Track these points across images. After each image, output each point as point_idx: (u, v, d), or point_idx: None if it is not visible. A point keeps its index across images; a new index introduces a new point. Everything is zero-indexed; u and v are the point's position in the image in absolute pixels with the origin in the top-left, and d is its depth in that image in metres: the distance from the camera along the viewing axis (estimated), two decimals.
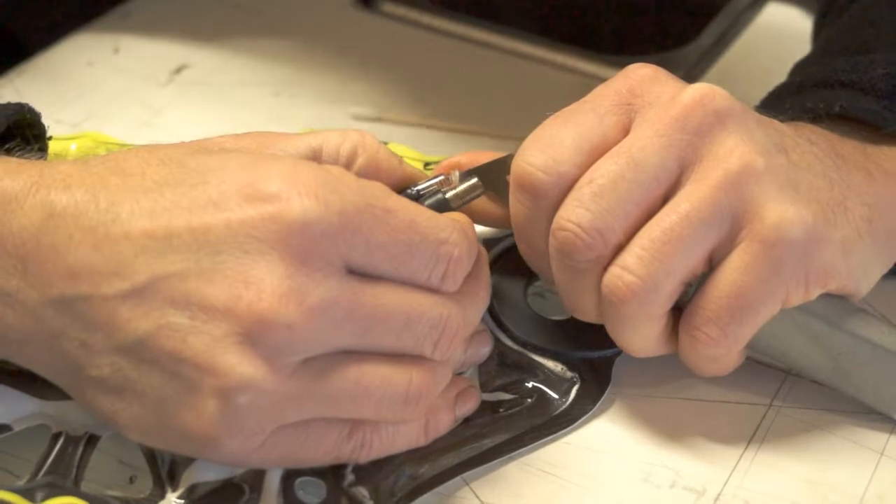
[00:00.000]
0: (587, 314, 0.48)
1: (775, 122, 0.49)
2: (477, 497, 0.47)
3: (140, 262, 0.41)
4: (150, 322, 0.41)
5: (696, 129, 0.46)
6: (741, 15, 0.75)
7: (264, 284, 0.40)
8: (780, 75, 0.67)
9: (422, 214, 0.44)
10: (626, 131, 0.47)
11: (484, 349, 0.51)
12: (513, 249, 0.54)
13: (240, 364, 0.41)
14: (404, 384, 0.43)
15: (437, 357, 0.44)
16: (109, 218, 0.42)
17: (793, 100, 0.54)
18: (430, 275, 0.44)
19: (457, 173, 0.50)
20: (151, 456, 0.46)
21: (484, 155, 0.51)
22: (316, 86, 0.69)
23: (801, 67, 0.58)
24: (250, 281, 0.41)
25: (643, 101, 0.47)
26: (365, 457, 0.45)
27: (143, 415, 0.42)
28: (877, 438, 0.50)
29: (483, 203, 0.51)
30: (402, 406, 0.44)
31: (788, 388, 0.51)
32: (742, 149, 0.46)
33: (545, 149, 0.47)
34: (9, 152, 0.46)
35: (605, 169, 0.46)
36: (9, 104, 0.49)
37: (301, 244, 0.41)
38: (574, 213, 0.46)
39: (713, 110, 0.46)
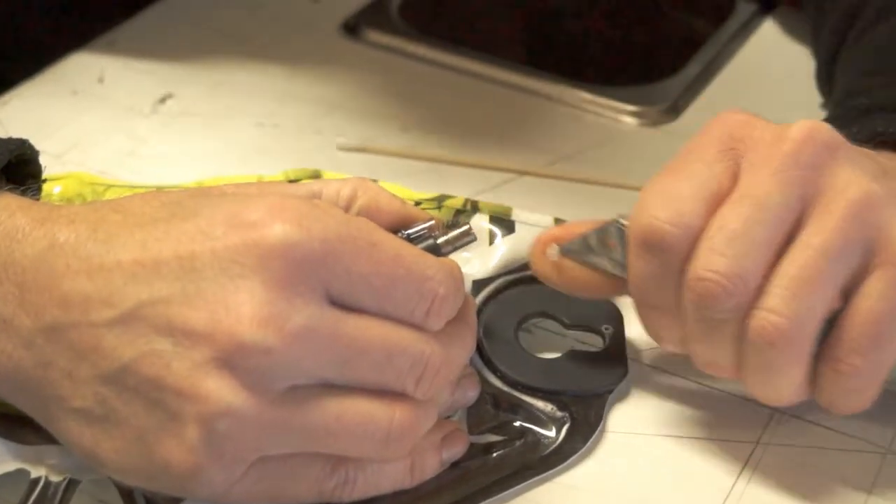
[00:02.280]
0: (726, 368, 0.48)
1: (868, 151, 0.49)
2: None
3: (128, 290, 0.42)
4: (135, 349, 0.41)
5: (810, 164, 0.46)
6: (727, 45, 0.75)
7: (244, 309, 0.41)
8: (764, 104, 0.67)
9: (408, 250, 0.44)
10: (735, 177, 0.47)
11: (471, 392, 0.51)
12: (503, 290, 0.55)
13: (219, 389, 0.41)
14: (386, 421, 0.43)
15: (420, 395, 0.44)
16: (105, 249, 0.42)
17: (860, 124, 0.54)
18: (413, 310, 0.44)
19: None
20: (130, 497, 0.46)
21: (578, 226, 0.51)
22: (300, 116, 0.68)
23: (851, 93, 0.58)
24: (230, 305, 0.41)
25: (746, 145, 0.47)
26: (349, 495, 0.45)
27: (124, 447, 0.42)
28: (865, 476, 0.49)
29: (583, 274, 0.50)
30: (385, 443, 0.43)
31: (776, 425, 0.51)
32: (858, 178, 0.46)
33: (667, 203, 0.47)
34: (11, 191, 0.47)
35: (732, 214, 0.46)
36: (10, 139, 0.49)
37: (282, 269, 0.41)
38: (711, 262, 0.45)
39: (822, 143, 0.46)
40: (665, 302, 0.47)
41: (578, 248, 0.50)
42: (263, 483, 0.43)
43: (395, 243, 0.44)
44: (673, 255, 0.46)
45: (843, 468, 0.49)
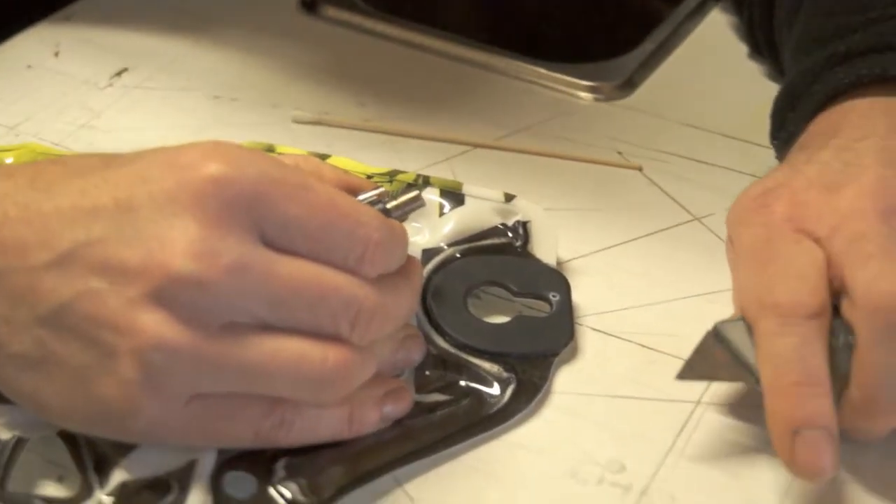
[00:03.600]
0: None
1: None
2: (407, 494, 0.48)
3: (66, 233, 0.43)
4: (72, 289, 0.42)
5: None
6: (682, 24, 0.76)
7: (177, 244, 0.42)
8: (718, 81, 0.70)
9: (343, 197, 0.46)
10: None
11: (417, 353, 0.52)
12: (453, 259, 0.57)
13: (154, 323, 0.42)
14: (320, 362, 0.44)
15: (356, 339, 0.45)
16: (44, 196, 0.44)
17: (845, 70, 0.55)
18: (347, 255, 0.45)
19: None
20: (77, 454, 0.47)
21: None
22: (257, 89, 0.70)
23: (819, 40, 0.59)
24: (165, 242, 0.42)
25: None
26: (285, 437, 0.46)
27: (64, 389, 0.43)
28: None
29: None
30: (319, 385, 0.45)
31: (716, 386, 0.52)
32: None
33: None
34: None
35: None
36: None
37: (215, 207, 0.43)
38: None
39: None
40: None
41: (698, 368, 0.50)
42: (200, 421, 0.44)
43: (329, 190, 0.45)
44: None
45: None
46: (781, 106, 0.59)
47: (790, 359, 0.47)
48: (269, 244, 0.44)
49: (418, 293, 0.50)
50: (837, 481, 0.49)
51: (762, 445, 0.50)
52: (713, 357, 0.50)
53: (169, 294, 0.42)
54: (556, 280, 0.56)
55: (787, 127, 0.58)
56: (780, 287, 0.48)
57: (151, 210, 0.43)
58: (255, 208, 0.44)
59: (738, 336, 0.49)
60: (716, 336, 0.50)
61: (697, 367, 0.50)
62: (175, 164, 0.44)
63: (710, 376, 0.50)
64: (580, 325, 0.56)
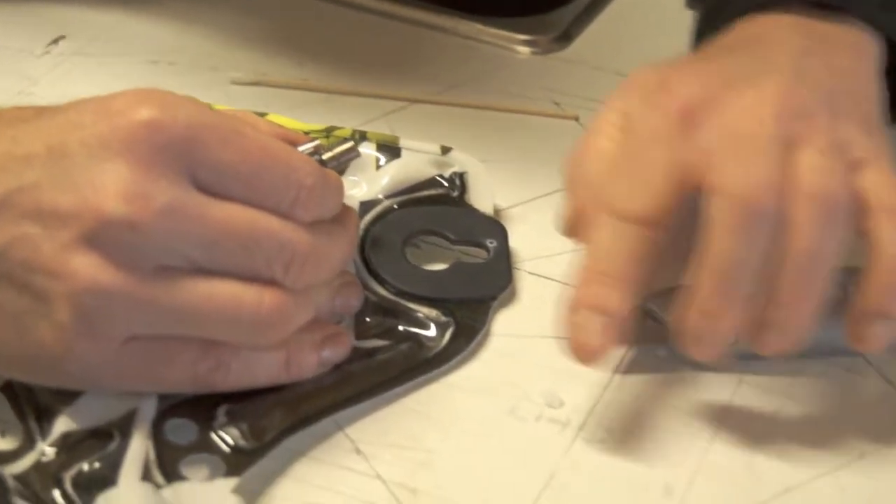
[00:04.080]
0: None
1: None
2: (348, 437, 0.48)
3: None
4: (5, 235, 0.43)
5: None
6: None
7: (109, 187, 0.43)
8: (654, 31, 0.71)
9: (275, 143, 0.46)
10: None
11: (355, 300, 0.52)
12: (391, 210, 0.57)
13: (86, 266, 0.43)
14: (255, 304, 0.45)
15: (290, 283, 0.46)
16: None
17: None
18: (280, 200, 0.46)
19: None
20: (18, 407, 0.47)
21: None
22: (195, 53, 0.70)
23: None
24: (97, 186, 0.43)
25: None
26: (223, 380, 0.47)
27: (0, 336, 0.44)
28: (738, 366, 0.52)
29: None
30: (254, 327, 0.46)
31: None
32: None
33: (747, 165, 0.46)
34: None
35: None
36: None
37: (147, 151, 0.43)
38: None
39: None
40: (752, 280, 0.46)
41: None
42: (136, 364, 0.45)
43: (262, 136, 0.46)
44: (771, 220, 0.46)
45: (710, 365, 0.51)
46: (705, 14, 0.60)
47: (598, 248, 0.47)
48: (203, 189, 0.45)
49: (354, 240, 0.51)
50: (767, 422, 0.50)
51: (697, 377, 0.52)
52: (641, 325, 0.52)
53: (102, 237, 0.43)
54: (492, 227, 0.57)
55: (706, 27, 0.58)
56: (621, 189, 0.48)
57: (83, 155, 0.43)
58: (187, 152, 0.44)
59: (660, 306, 0.51)
60: (644, 312, 0.52)
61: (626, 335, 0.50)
62: (107, 110, 0.44)
63: (638, 341, 0.52)
64: (518, 269, 0.56)
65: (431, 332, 0.53)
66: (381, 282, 0.54)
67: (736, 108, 0.48)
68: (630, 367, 0.52)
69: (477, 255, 0.57)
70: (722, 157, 0.46)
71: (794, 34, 0.52)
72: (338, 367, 0.50)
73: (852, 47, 0.53)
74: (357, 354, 0.51)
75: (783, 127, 0.47)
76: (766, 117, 0.47)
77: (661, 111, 0.48)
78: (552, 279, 0.56)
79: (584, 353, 0.47)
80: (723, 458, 0.49)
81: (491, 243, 0.56)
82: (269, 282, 0.46)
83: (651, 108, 0.49)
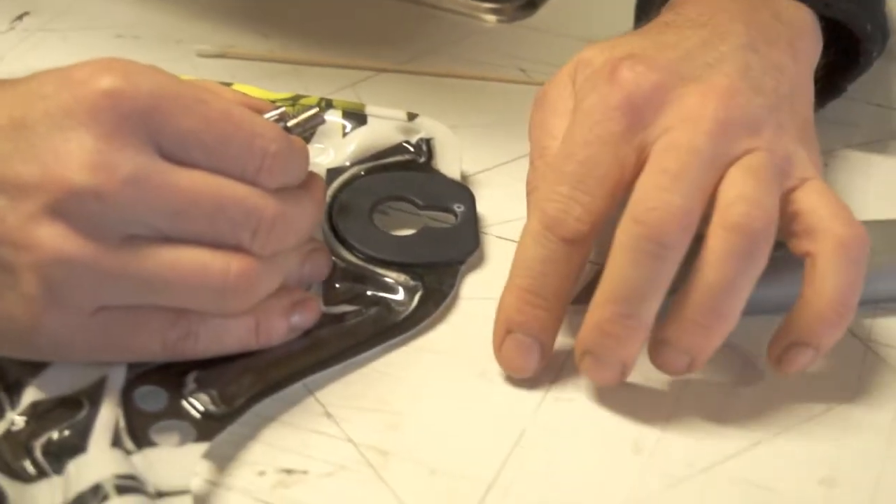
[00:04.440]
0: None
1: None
2: (318, 401, 0.49)
3: None
4: None
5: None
6: None
7: (73, 157, 0.43)
8: (619, 2, 0.70)
9: (239, 109, 0.46)
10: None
11: (323, 266, 0.53)
12: (358, 177, 0.58)
13: (52, 236, 0.43)
14: (222, 271, 0.45)
15: (257, 249, 0.46)
16: None
17: None
18: (245, 167, 0.46)
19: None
20: None
21: None
22: (160, 26, 0.70)
23: None
24: (61, 156, 0.43)
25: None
26: (192, 348, 0.47)
27: None
28: None
29: None
30: (222, 294, 0.46)
31: None
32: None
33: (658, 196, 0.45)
34: None
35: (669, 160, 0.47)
36: None
37: (111, 120, 0.43)
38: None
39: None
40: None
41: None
42: (106, 334, 0.45)
43: (226, 103, 0.46)
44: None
45: None
46: None
47: (531, 267, 0.48)
48: (167, 157, 0.45)
49: (321, 206, 0.51)
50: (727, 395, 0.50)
51: None
52: None
53: (67, 207, 0.43)
54: (460, 192, 0.57)
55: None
56: (558, 199, 0.48)
57: (47, 126, 0.43)
58: (150, 121, 0.44)
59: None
60: None
61: (589, 296, 0.50)
62: (69, 80, 0.44)
63: None
64: (485, 234, 0.57)
65: (400, 296, 0.53)
66: (350, 248, 0.54)
67: (678, 114, 0.47)
68: None
69: (444, 220, 0.57)
70: (647, 176, 0.46)
71: (738, 21, 0.52)
72: (307, 332, 0.50)
73: (789, 41, 0.53)
74: (326, 320, 0.51)
75: (721, 143, 0.46)
76: (703, 133, 0.46)
77: (607, 104, 0.48)
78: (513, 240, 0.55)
79: (518, 370, 0.49)
80: (691, 414, 0.49)
81: (458, 208, 0.57)
82: (237, 249, 0.46)
83: (598, 98, 0.49)
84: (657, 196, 0.45)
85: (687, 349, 0.47)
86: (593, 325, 0.46)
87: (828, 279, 0.46)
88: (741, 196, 0.45)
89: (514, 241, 0.54)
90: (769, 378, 0.50)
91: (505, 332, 0.49)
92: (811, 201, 0.47)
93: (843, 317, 0.46)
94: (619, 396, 0.49)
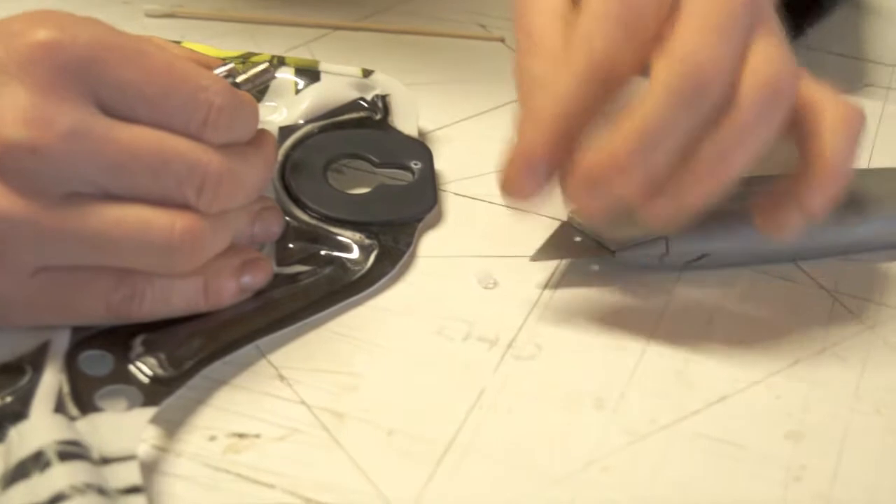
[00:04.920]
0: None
1: None
2: (270, 363, 0.48)
3: None
4: None
5: None
6: None
7: (7, 112, 0.41)
8: None
9: (181, 61, 0.45)
10: None
11: (275, 226, 0.52)
12: (311, 135, 0.57)
13: None
14: (167, 229, 0.44)
15: (203, 206, 0.45)
16: None
17: None
18: (189, 120, 0.45)
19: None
20: None
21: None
22: None
23: None
24: None
25: None
26: (138, 309, 0.46)
27: None
28: (669, 278, 0.52)
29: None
30: (167, 253, 0.45)
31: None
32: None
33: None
34: None
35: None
36: None
37: (46, 73, 0.42)
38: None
39: None
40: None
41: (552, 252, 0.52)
42: (48, 295, 0.44)
43: (167, 54, 0.45)
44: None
45: (647, 274, 0.52)
46: None
47: (543, 86, 0.46)
48: (108, 111, 0.43)
49: (271, 164, 0.50)
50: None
51: (628, 291, 0.51)
52: (568, 241, 0.51)
53: (3, 164, 0.42)
54: (417, 149, 0.57)
55: None
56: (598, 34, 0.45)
57: None
58: (88, 73, 0.43)
59: (588, 219, 0.51)
60: (571, 223, 0.52)
61: (552, 251, 0.51)
62: (3, 32, 0.43)
63: (562, 256, 0.52)
64: (443, 191, 0.56)
65: (355, 255, 0.52)
66: (303, 207, 0.54)
67: None
68: (559, 283, 0.52)
69: (401, 178, 0.56)
70: (687, 26, 0.44)
71: None
72: (259, 293, 0.50)
73: None
74: (279, 280, 0.50)
75: (750, 12, 0.45)
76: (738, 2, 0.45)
77: None
78: (478, 199, 0.56)
79: (516, 192, 0.46)
80: (654, 369, 0.48)
81: (415, 165, 0.56)
82: (183, 206, 0.45)
83: None
84: (703, 43, 0.44)
85: (684, 194, 0.45)
86: (608, 153, 0.44)
87: (828, 143, 0.46)
88: (767, 58, 0.45)
89: (473, 198, 0.55)
90: (734, 332, 0.50)
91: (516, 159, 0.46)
92: (813, 87, 0.47)
93: (836, 181, 0.46)
94: (581, 352, 0.49)
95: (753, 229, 0.49)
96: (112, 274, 0.45)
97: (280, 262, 0.51)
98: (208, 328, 0.48)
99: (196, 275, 0.47)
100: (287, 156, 0.55)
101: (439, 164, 0.56)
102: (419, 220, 0.54)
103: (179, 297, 0.47)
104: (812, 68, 0.48)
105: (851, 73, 0.65)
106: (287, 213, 0.53)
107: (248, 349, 0.48)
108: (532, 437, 0.45)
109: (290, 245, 0.52)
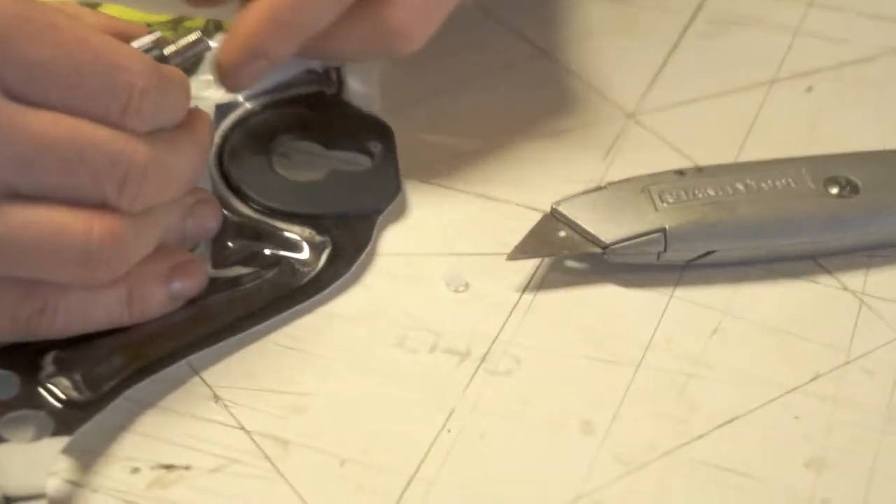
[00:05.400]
0: None
1: None
2: (204, 382, 0.47)
3: None
4: None
5: None
6: None
7: None
8: None
9: (99, 37, 0.44)
10: None
11: (211, 221, 0.51)
12: (254, 114, 0.56)
13: None
14: (83, 233, 0.43)
15: (126, 205, 0.44)
16: None
17: None
18: (108, 105, 0.44)
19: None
20: None
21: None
22: None
23: None
24: None
25: None
26: (49, 326, 0.45)
27: None
28: (667, 279, 0.51)
29: None
30: (84, 261, 0.43)
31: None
32: None
33: None
34: None
35: None
36: None
37: None
38: None
39: None
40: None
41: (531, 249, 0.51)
42: None
43: (83, 30, 0.44)
44: None
45: (642, 276, 0.51)
46: None
47: None
48: (14, 97, 0.42)
49: (206, 150, 0.49)
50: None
51: (620, 294, 0.51)
52: (552, 235, 0.51)
53: None
54: (376, 129, 0.56)
55: None
56: None
57: None
58: None
59: (575, 211, 0.51)
60: (554, 216, 0.51)
61: (532, 247, 0.51)
62: None
63: (544, 254, 0.51)
64: (407, 178, 0.55)
65: (305, 254, 0.51)
66: (244, 198, 0.53)
67: None
68: (541, 285, 0.51)
69: (358, 163, 0.55)
70: None
71: None
72: (192, 301, 0.49)
73: None
74: (215, 286, 0.49)
75: None
76: None
77: None
78: (447, 187, 0.55)
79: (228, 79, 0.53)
80: (652, 386, 0.48)
81: (375, 147, 0.55)
82: (102, 205, 0.44)
83: None
84: None
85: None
86: (269, 19, 0.51)
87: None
88: None
89: (442, 186, 0.55)
90: (744, 342, 0.49)
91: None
92: None
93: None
94: (566, 367, 0.48)
95: (766, 221, 0.49)
96: (18, 286, 0.44)
97: (216, 264, 0.50)
98: (132, 343, 0.47)
99: (118, 284, 0.46)
100: (225, 138, 0.55)
101: (402, 146, 0.55)
102: (380, 212, 0.53)
103: (99, 311, 0.46)
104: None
105: (883, 37, 0.65)
106: (225, 205, 0.52)
107: (179, 366, 0.47)
108: (509, 467, 0.45)
109: (229, 244, 0.51)
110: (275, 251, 0.51)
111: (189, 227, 0.49)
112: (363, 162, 0.55)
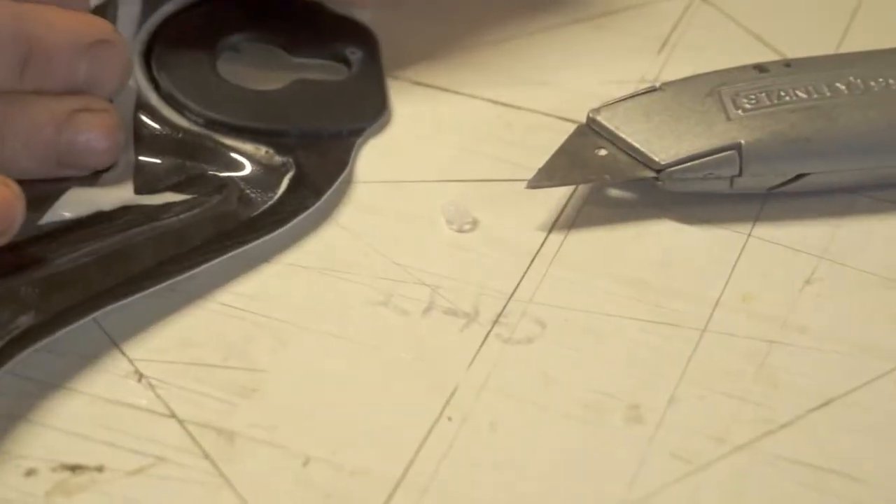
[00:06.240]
0: None
1: None
2: (121, 351, 0.45)
3: None
4: None
5: None
6: None
7: None
8: None
9: None
10: None
11: (116, 66, 0.50)
12: (193, 6, 0.57)
13: None
14: None
15: None
16: None
17: None
18: None
19: None
20: None
21: None
22: None
23: None
24: None
25: None
26: None
27: None
28: (744, 213, 0.50)
29: None
30: None
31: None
32: None
33: None
34: None
35: None
36: None
37: None
38: None
39: None
40: None
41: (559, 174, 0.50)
42: None
43: None
44: None
45: (701, 215, 0.51)
46: None
47: None
48: None
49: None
50: None
51: (675, 232, 0.50)
52: (588, 155, 0.50)
53: None
54: (355, 31, 0.56)
55: None
56: None
57: None
58: None
59: (619, 121, 0.50)
60: (591, 127, 0.51)
61: (561, 172, 0.50)
62: None
63: (577, 180, 0.50)
64: (395, 78, 0.55)
65: (259, 180, 0.50)
66: (180, 108, 0.52)
67: None
68: (572, 223, 0.50)
69: (332, 72, 0.55)
70: None
71: None
72: (107, 234, 0.48)
73: None
74: (137, 215, 0.48)
75: None
76: None
77: None
78: (448, 90, 0.55)
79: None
80: (721, 358, 0.46)
81: (353, 54, 0.55)
82: None
83: None
84: None
85: None
86: None
87: None
88: None
89: (442, 90, 0.55)
90: (846, 296, 0.48)
91: None
92: None
93: None
94: (605, 334, 0.47)
95: (876, 132, 0.49)
96: None
97: (141, 188, 0.50)
98: (20, 288, 0.45)
99: None
100: (155, 34, 0.55)
101: (390, 37, 0.56)
102: (358, 134, 0.53)
103: None
104: None
105: None
106: (156, 115, 0.52)
107: (86, 326, 0.46)
108: (529, 468, 0.43)
109: (158, 161, 0.51)
110: (217, 173, 0.50)
111: (83, 71, 0.49)
112: (338, 71, 0.55)
